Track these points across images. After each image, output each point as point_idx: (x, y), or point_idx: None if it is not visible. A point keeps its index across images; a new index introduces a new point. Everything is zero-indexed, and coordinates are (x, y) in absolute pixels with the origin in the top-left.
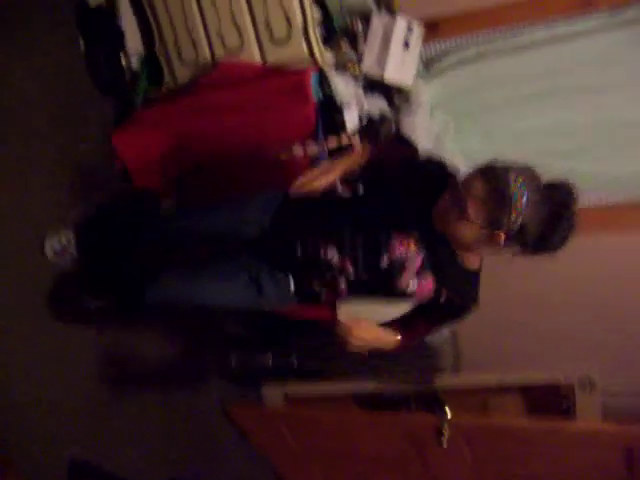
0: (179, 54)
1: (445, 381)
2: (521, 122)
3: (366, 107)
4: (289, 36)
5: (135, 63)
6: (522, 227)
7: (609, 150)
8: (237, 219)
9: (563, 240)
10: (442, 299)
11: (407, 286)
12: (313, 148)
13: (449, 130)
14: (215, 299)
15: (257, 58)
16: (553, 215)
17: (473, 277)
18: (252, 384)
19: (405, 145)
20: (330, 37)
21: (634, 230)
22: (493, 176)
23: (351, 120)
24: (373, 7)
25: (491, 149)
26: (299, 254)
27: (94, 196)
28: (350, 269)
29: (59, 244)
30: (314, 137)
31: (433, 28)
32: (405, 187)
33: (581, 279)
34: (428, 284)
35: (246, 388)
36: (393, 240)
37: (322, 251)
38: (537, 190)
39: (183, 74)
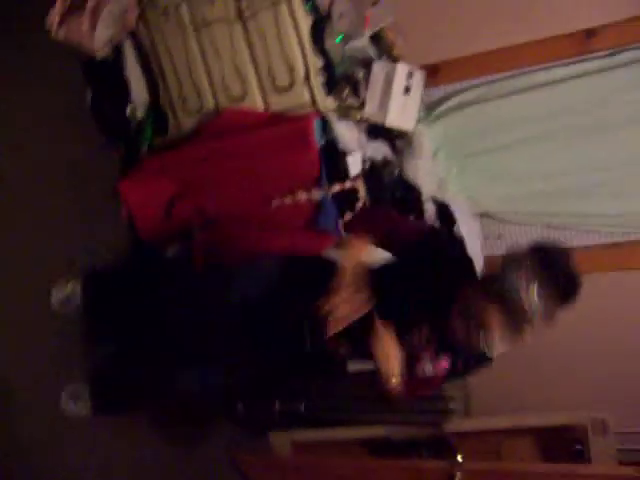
0: (183, 104)
1: (455, 426)
2: (523, 164)
3: (369, 152)
4: (292, 84)
5: (140, 112)
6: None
7: (610, 190)
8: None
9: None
10: (459, 369)
11: (423, 373)
12: (317, 193)
13: (451, 173)
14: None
15: (260, 106)
16: (565, 297)
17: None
18: (259, 431)
19: (409, 197)
20: (332, 84)
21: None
22: (515, 313)
23: (354, 165)
24: (374, 54)
25: (494, 191)
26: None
27: (103, 247)
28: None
29: (64, 294)
30: (318, 182)
31: (434, 73)
32: (419, 270)
33: (593, 320)
34: (443, 364)
35: (253, 435)
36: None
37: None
38: (547, 284)
39: (188, 123)
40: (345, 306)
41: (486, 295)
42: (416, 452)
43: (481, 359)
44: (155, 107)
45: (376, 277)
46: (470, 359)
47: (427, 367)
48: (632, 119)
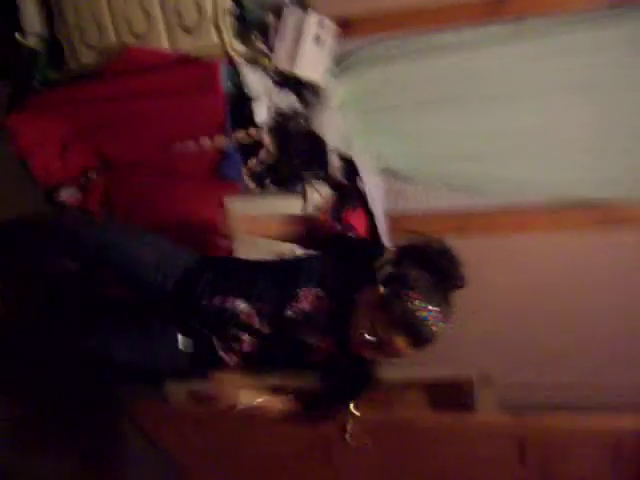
0: (82, 36)
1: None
2: (426, 124)
3: (276, 100)
4: (199, 25)
5: (32, 41)
6: None
7: (509, 156)
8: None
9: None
10: (340, 365)
11: (310, 339)
12: (221, 140)
13: (357, 128)
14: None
15: (166, 45)
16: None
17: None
18: (156, 382)
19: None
20: (242, 29)
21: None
22: (420, 338)
23: (260, 114)
24: (286, 1)
25: (398, 150)
26: (205, 304)
27: None
28: (256, 323)
29: None
30: (223, 130)
31: (345, 26)
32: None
33: (479, 282)
34: (328, 342)
35: (150, 386)
36: (300, 292)
37: (229, 302)
38: (438, 299)
39: (87, 57)
40: None
41: (389, 322)
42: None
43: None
44: (50, 37)
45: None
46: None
47: (315, 338)
48: (534, 90)
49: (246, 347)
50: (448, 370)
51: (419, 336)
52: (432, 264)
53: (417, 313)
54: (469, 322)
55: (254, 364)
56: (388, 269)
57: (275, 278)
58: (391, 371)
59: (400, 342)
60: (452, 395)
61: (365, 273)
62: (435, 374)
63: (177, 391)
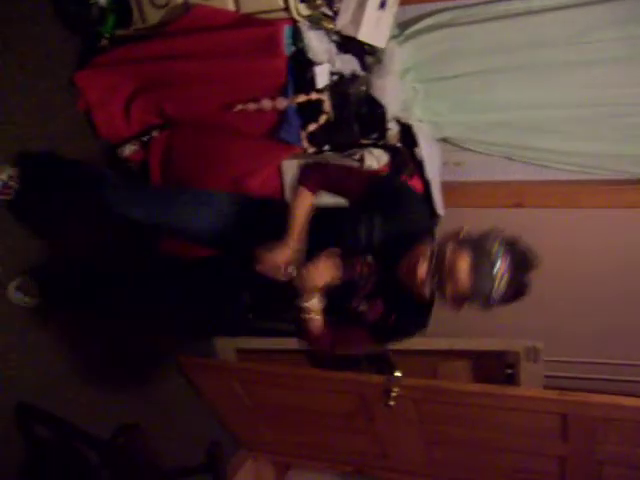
0: None
1: (397, 344)
2: (490, 93)
3: (338, 65)
4: None
5: (103, 1)
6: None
7: (578, 128)
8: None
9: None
10: (390, 322)
11: (357, 306)
12: (282, 102)
13: (418, 96)
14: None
15: (231, 6)
16: (517, 295)
17: (426, 308)
18: (205, 336)
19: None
20: None
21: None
22: (483, 271)
23: (322, 76)
24: None
25: (459, 119)
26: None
27: (51, 136)
28: None
29: (0, 181)
30: (283, 91)
31: None
32: (369, 213)
33: (541, 252)
34: (378, 308)
35: (199, 340)
36: (348, 260)
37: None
38: (513, 273)
39: (153, 16)
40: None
41: (460, 245)
42: (356, 365)
43: (416, 322)
44: None
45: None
46: (404, 321)
47: (362, 304)
48: (606, 59)
49: None
50: (494, 341)
51: (483, 274)
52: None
53: (491, 255)
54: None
55: None
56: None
57: (323, 247)
58: (437, 340)
59: (462, 280)
60: (497, 367)
61: (418, 232)
62: (481, 345)
63: (225, 346)
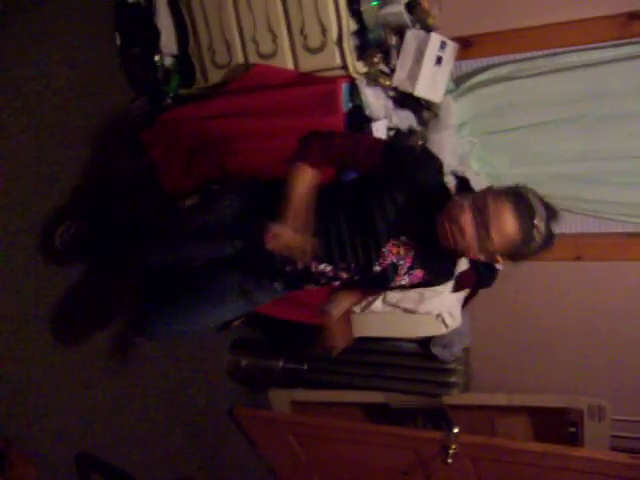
0: (212, 57)
1: (454, 398)
2: (546, 145)
3: (395, 120)
4: (323, 45)
5: (168, 62)
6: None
7: (629, 179)
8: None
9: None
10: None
11: (399, 283)
12: None
13: (475, 150)
14: (213, 321)
15: (290, 65)
16: (550, 243)
17: (453, 260)
18: (260, 388)
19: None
20: (364, 49)
21: None
22: (525, 217)
23: (379, 132)
24: (408, 22)
25: (515, 171)
26: (288, 269)
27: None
28: (344, 276)
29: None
30: None
31: (466, 46)
32: (386, 185)
33: (600, 308)
34: (418, 275)
35: (254, 391)
36: (384, 249)
37: (313, 266)
38: (547, 221)
39: (215, 76)
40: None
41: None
42: (412, 421)
43: (444, 278)
44: (183, 57)
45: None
46: (436, 277)
47: (404, 278)
48: None
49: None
50: (556, 397)
51: (526, 219)
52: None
53: (530, 203)
54: (586, 348)
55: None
56: None
57: (353, 237)
58: (495, 395)
59: (507, 223)
60: (559, 425)
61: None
62: (542, 400)
63: (280, 398)
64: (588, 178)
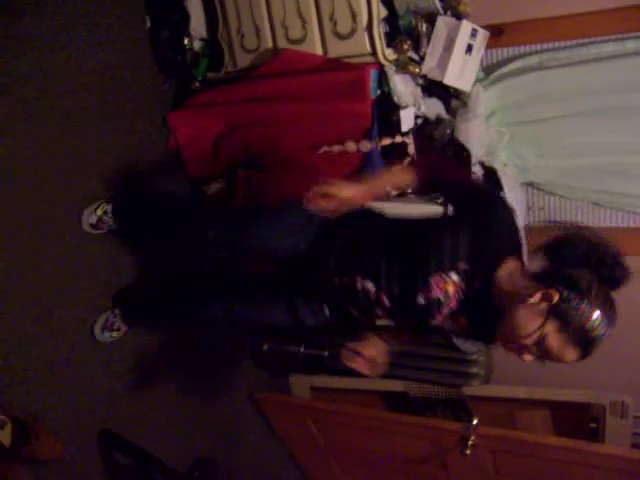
0: (242, 41)
1: (474, 389)
2: (577, 136)
3: (423, 109)
4: (353, 31)
5: (197, 45)
6: None
7: None
8: (274, 243)
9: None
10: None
11: (441, 324)
12: (366, 145)
13: (503, 140)
14: (256, 321)
15: (319, 51)
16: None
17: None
18: (281, 373)
19: (458, 159)
20: (393, 35)
21: None
22: (583, 343)
23: (407, 120)
24: (439, 9)
25: (544, 163)
26: (336, 284)
27: (143, 176)
28: (386, 302)
29: (96, 216)
30: (368, 134)
31: (498, 34)
32: (461, 222)
33: (626, 303)
34: (462, 323)
35: (275, 376)
36: (431, 280)
37: (358, 283)
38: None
39: (243, 60)
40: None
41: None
42: (431, 410)
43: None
44: (212, 41)
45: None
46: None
47: (447, 322)
48: None
49: (378, 314)
50: (578, 392)
51: (591, 351)
52: (598, 262)
53: (594, 332)
54: (610, 343)
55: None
56: (544, 263)
57: (403, 259)
58: (515, 388)
59: (569, 355)
60: (580, 420)
61: (507, 246)
62: (563, 395)
63: (300, 384)
64: (618, 171)
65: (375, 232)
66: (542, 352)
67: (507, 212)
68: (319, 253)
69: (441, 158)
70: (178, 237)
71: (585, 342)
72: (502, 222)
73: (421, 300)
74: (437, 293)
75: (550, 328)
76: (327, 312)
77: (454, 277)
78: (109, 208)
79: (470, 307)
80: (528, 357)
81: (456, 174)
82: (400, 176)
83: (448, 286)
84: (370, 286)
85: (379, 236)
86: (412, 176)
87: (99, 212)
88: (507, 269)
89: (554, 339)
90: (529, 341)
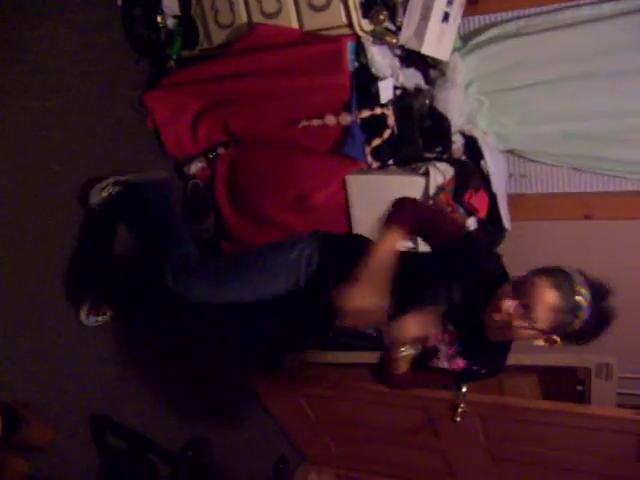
0: (216, 17)
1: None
2: (556, 103)
3: (401, 79)
4: (328, 3)
5: (171, 23)
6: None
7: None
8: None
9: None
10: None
11: (438, 366)
12: (346, 118)
13: (482, 108)
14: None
15: (294, 24)
16: (603, 323)
17: (504, 350)
18: (271, 350)
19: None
20: (369, 6)
21: None
22: (564, 286)
23: (386, 91)
24: None
25: (524, 130)
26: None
27: (123, 155)
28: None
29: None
30: (347, 107)
31: (474, 2)
32: (450, 273)
33: (607, 266)
34: (459, 364)
35: (267, 356)
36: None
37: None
38: (594, 299)
39: (219, 37)
40: (363, 299)
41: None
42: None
43: (494, 370)
44: (186, 18)
45: (412, 261)
46: (485, 368)
47: (444, 363)
48: None
49: None
50: (564, 357)
51: (567, 292)
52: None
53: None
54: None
55: None
56: None
57: (401, 304)
58: None
59: (548, 296)
60: (567, 383)
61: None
62: (550, 360)
63: (292, 360)
64: (598, 136)
65: None
66: (523, 297)
67: (494, 259)
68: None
69: (426, 208)
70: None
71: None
72: (491, 273)
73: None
74: (434, 342)
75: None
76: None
77: (450, 327)
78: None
79: (467, 348)
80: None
81: (443, 223)
82: (391, 240)
83: (445, 336)
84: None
85: None
86: (400, 237)
87: (104, 194)
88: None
89: (528, 278)
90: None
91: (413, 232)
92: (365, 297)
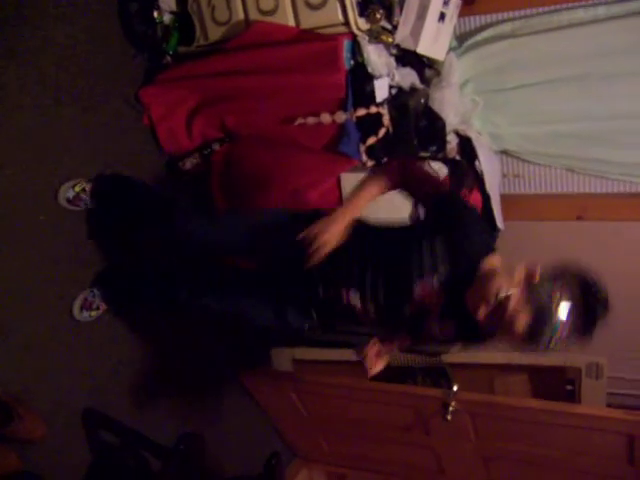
0: (212, 14)
1: (454, 357)
2: (551, 104)
3: (397, 78)
4: (325, 1)
5: (167, 19)
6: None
7: (634, 139)
8: (265, 246)
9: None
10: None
11: (430, 330)
12: (341, 116)
13: (477, 108)
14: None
15: (291, 22)
16: (587, 332)
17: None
18: (262, 346)
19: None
20: (366, 5)
21: None
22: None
23: (381, 90)
24: None
25: (517, 129)
26: (321, 295)
27: (118, 151)
28: (372, 315)
29: (73, 192)
30: (342, 105)
31: (470, 2)
32: (440, 234)
33: (601, 267)
34: (450, 327)
35: (255, 351)
36: (415, 289)
37: (344, 296)
38: (577, 313)
39: (215, 33)
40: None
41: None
42: (412, 379)
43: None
44: (183, 14)
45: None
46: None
47: (434, 327)
48: None
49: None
50: (555, 356)
51: (538, 331)
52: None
53: (553, 318)
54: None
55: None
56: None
57: (386, 268)
58: (494, 353)
59: (520, 321)
60: (557, 382)
61: (482, 244)
62: (540, 359)
63: (282, 357)
64: (591, 137)
65: (356, 241)
66: (499, 313)
67: (471, 211)
68: (302, 263)
69: (409, 160)
70: (152, 235)
71: (539, 319)
72: (471, 223)
73: (407, 309)
74: (422, 299)
75: (516, 292)
76: (315, 316)
77: (436, 282)
78: (88, 187)
79: (456, 310)
80: (482, 311)
81: (423, 176)
82: (374, 189)
83: (432, 291)
84: (356, 300)
85: (361, 246)
86: (383, 188)
87: (77, 189)
88: (488, 265)
89: (515, 302)
90: (493, 298)
91: (402, 186)
92: (329, 224)
